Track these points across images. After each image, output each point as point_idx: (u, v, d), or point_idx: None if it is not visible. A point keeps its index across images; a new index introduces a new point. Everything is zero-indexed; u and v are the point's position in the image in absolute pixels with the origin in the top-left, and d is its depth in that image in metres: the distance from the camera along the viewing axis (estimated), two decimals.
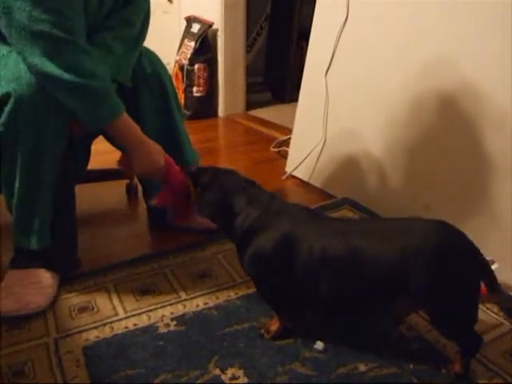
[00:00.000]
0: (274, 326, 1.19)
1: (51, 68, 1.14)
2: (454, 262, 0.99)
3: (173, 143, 1.55)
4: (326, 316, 1.26)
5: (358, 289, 1.05)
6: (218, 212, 1.16)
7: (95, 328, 1.22)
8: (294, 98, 2.45)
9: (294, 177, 2.16)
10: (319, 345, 1.15)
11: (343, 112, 1.93)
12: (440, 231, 1.01)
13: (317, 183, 2.06)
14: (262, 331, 1.19)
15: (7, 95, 1.17)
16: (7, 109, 1.17)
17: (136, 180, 1.88)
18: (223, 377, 1.07)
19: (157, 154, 1.36)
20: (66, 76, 1.15)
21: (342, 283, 1.05)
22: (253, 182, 1.19)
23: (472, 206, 1.51)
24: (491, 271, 1.02)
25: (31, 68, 1.16)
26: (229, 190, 1.15)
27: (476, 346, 1.05)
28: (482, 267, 1.01)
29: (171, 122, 1.56)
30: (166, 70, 1.56)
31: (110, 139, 1.55)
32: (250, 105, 3.41)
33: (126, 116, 1.29)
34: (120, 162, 1.51)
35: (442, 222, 1.02)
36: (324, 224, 1.12)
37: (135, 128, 1.32)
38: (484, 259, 1.01)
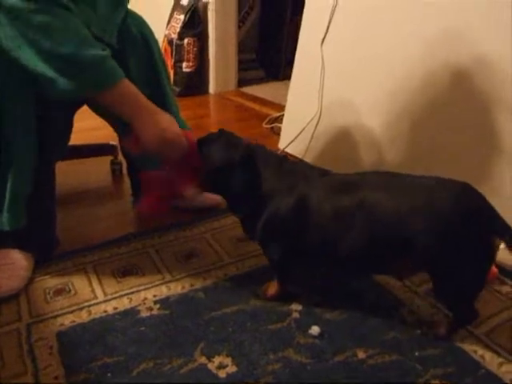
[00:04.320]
0: (273, 288, 1.16)
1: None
2: (467, 226, 0.93)
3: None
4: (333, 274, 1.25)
5: (367, 244, 1.01)
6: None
7: (71, 312, 1.13)
8: (287, 76, 2.34)
9: (287, 154, 2.06)
10: (314, 330, 1.06)
11: (340, 83, 1.82)
12: (457, 192, 0.96)
13: (311, 160, 1.95)
14: (259, 292, 1.18)
15: None
16: None
17: (121, 157, 1.77)
18: (210, 365, 0.98)
19: (171, 124, 1.17)
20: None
21: (352, 239, 1.01)
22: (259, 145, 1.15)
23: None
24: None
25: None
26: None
27: (470, 319, 1.03)
28: (501, 230, 0.94)
29: (160, 86, 1.43)
30: (152, 33, 1.43)
31: (102, 113, 1.44)
32: (242, 82, 3.31)
33: (124, 83, 1.12)
34: (124, 139, 1.27)
35: (463, 184, 0.97)
36: (336, 181, 1.10)
37: (136, 95, 1.15)
38: (504, 223, 0.94)
